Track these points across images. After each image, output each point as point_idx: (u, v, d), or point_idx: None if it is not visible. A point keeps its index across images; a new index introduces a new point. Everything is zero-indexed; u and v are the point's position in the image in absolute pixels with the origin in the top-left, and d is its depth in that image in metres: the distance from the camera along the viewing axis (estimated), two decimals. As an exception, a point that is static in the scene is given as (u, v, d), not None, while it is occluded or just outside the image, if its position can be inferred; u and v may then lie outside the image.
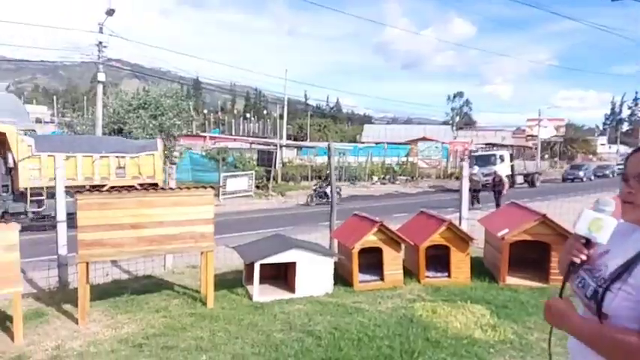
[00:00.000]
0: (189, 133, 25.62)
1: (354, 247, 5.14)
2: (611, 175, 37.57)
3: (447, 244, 5.39)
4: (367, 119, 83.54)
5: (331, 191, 7.04)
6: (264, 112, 75.30)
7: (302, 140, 50.35)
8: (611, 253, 1.34)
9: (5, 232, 3.88)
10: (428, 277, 5.45)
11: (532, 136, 57.28)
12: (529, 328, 3.96)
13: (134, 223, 4.30)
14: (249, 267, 5.25)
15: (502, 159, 25.43)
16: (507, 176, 22.28)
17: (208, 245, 4.69)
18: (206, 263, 4.72)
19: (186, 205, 4.52)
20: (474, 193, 15.34)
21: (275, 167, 24.66)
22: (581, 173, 33.53)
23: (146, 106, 19.26)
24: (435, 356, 3.37)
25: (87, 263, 4.19)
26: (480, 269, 5.81)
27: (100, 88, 18.59)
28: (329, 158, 7.28)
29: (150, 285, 5.52)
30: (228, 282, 5.60)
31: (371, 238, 5.23)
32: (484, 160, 25.11)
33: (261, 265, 4.90)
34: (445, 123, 73.39)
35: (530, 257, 5.51)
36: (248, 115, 68.38)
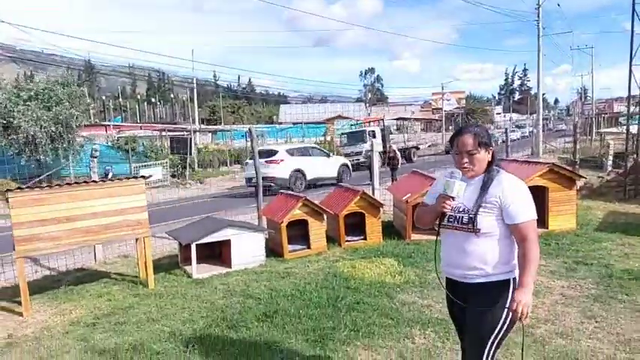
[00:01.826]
0: (88, 122, 24.01)
1: (282, 221, 5.75)
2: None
3: (362, 211, 6.22)
4: (282, 99, 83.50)
5: (256, 174, 7.53)
6: (171, 95, 71.78)
7: (215, 124, 49.30)
8: (464, 197, 2.05)
9: None
10: (347, 241, 6.25)
11: (438, 109, 61.58)
12: (428, 271, 4.90)
13: (69, 216, 4.49)
14: (186, 248, 5.65)
15: (373, 135, 24.01)
16: (380, 153, 23.59)
17: (144, 231, 5.00)
18: (143, 248, 5.04)
19: (120, 195, 4.78)
20: (393, 169, 15.68)
21: (191, 154, 24.24)
22: None
23: (37, 96, 17.73)
24: (355, 299, 4.13)
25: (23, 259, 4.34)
26: (391, 230, 6.76)
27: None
28: (251, 142, 7.72)
29: (85, 276, 5.67)
30: (164, 266, 5.92)
31: (297, 212, 5.87)
32: (355, 138, 25.19)
33: (197, 245, 5.33)
34: (359, 100, 75.85)
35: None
36: (153, 100, 64.68)
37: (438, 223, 2.13)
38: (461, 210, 2.06)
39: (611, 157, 11.96)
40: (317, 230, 6.04)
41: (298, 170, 14.73)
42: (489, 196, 2.00)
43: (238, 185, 20.93)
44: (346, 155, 23.41)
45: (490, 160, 2.09)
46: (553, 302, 3.93)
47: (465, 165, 2.06)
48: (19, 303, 4.65)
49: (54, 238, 4.42)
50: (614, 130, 20.18)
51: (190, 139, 24.88)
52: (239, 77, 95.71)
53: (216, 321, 3.85)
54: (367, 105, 66.44)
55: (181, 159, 22.91)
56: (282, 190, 6.92)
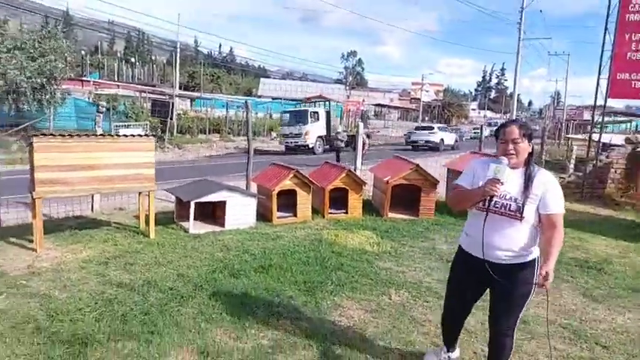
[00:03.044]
0: (71, 76, 23.49)
1: (274, 189, 6.27)
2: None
3: (346, 187, 6.81)
4: (262, 72, 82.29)
5: (248, 144, 7.97)
6: (150, 57, 69.55)
7: (193, 90, 48.49)
8: (507, 185, 2.20)
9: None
10: (331, 213, 6.84)
11: (416, 98, 62.53)
12: (402, 244, 5.56)
13: (90, 164, 4.86)
14: (183, 206, 6.10)
15: (316, 117, 22.56)
16: (322, 137, 22.13)
17: (151, 185, 5.42)
18: (149, 201, 5.46)
19: (134, 151, 5.17)
20: (338, 151, 15.85)
21: (171, 119, 24.16)
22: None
23: (23, 46, 17.38)
24: (339, 261, 4.73)
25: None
26: (370, 208, 7.38)
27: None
28: (247, 114, 8.13)
29: (86, 223, 6.05)
30: (160, 221, 6.29)
31: (287, 182, 6.39)
32: (296, 118, 22.52)
33: (195, 203, 5.78)
34: (338, 81, 75.74)
35: (406, 197, 7.19)
36: (133, 60, 62.71)
37: (484, 205, 2.27)
38: (508, 198, 2.24)
39: (573, 161, 12.96)
40: (304, 200, 6.59)
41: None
42: (534, 188, 2.22)
43: (216, 155, 21.18)
44: (284, 136, 22.59)
45: (530, 152, 2.31)
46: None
47: (511, 152, 2.25)
48: (29, 240, 5.04)
49: (73, 183, 4.79)
50: (579, 136, 21.49)
51: (172, 103, 24.74)
52: (220, 45, 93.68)
53: (219, 268, 4.38)
54: (347, 87, 66.51)
55: (161, 122, 22.84)
56: (274, 162, 7.39)
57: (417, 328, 3.37)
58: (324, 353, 2.95)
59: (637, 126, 46.35)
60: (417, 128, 27.94)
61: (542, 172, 2.29)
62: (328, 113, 23.47)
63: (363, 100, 51.45)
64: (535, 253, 2.34)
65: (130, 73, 54.16)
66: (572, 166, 12.80)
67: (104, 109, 7.20)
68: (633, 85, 9.06)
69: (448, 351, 2.82)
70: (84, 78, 34.51)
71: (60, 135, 4.71)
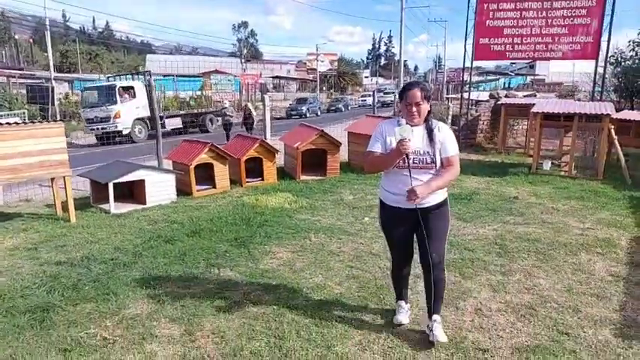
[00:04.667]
0: None
1: (191, 163, 6.59)
2: (343, 109, 35.77)
3: (260, 156, 7.35)
4: (147, 48, 76.89)
5: (155, 123, 8.05)
6: (12, 35, 61.06)
7: (69, 71, 44.08)
8: (414, 141, 2.49)
9: None
10: (247, 182, 7.36)
11: (312, 69, 63.64)
12: (315, 200, 6.32)
13: (-5, 155, 4.77)
14: (100, 188, 6.17)
15: (132, 93, 17.27)
16: (143, 119, 17.34)
17: (65, 170, 5.45)
18: (65, 186, 5.48)
19: (43, 137, 5.15)
20: (226, 128, 15.03)
21: (53, 104, 22.15)
22: (304, 108, 31.00)
23: None
24: (262, 219, 5.33)
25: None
26: (283, 174, 8.03)
27: None
28: (150, 92, 8.15)
29: (-7, 217, 5.85)
30: (76, 207, 6.26)
31: (204, 156, 6.74)
32: (101, 97, 17.21)
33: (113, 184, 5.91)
34: (232, 55, 73.93)
35: (314, 160, 7.96)
36: (-10, 40, 54.60)
37: (404, 164, 2.52)
38: (422, 153, 2.56)
39: (450, 118, 14.83)
40: (221, 172, 7.01)
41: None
42: (436, 139, 2.56)
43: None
44: (88, 122, 17.32)
45: (429, 110, 2.60)
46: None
47: (414, 113, 2.55)
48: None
49: (-22, 176, 4.69)
50: (456, 96, 24.15)
51: (52, 88, 22.58)
52: (94, 19, 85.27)
53: (152, 238, 4.72)
54: (242, 61, 65.27)
55: (41, 109, 20.84)
56: (185, 139, 7.62)
57: (334, 258, 4.14)
58: (263, 286, 3.58)
59: (504, 83, 52.89)
60: (298, 101, 33.30)
61: (439, 124, 2.63)
62: (150, 87, 18.56)
63: (261, 74, 51.18)
64: (446, 193, 2.74)
65: (-11, 56, 47.33)
66: (449, 121, 14.65)
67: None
68: (492, 49, 10.71)
69: (406, 303, 3.05)
70: None
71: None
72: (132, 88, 17.47)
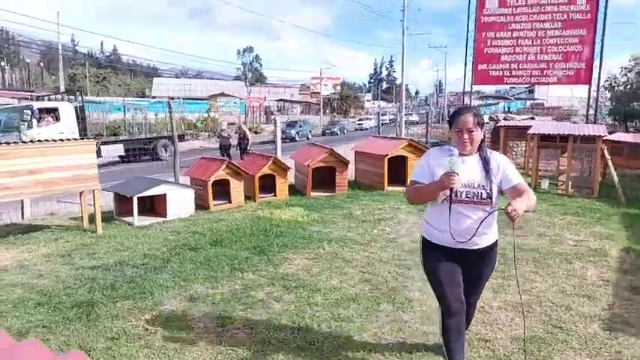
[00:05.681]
0: None
1: (209, 179, 7.00)
2: (339, 133, 35.80)
3: (273, 173, 7.77)
4: (153, 71, 78.53)
5: (174, 143, 8.52)
6: (16, 59, 62.34)
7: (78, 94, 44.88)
8: (467, 173, 2.21)
9: None
10: (261, 197, 7.75)
11: (316, 93, 64.81)
12: (326, 214, 6.70)
13: (32, 169, 5.20)
14: (123, 202, 6.58)
15: (54, 116, 14.33)
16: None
17: (95, 184, 5.86)
18: (94, 199, 5.89)
19: (76, 153, 5.58)
20: (225, 150, 14.70)
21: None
22: (293, 132, 30.09)
23: None
24: (278, 230, 5.71)
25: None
26: (293, 190, 8.43)
27: None
28: (170, 114, 8.65)
29: (24, 229, 6.22)
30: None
31: (221, 173, 7.16)
32: (13, 119, 13.95)
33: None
34: (237, 78, 75.41)
35: (323, 178, 8.37)
36: (2, 64, 56.00)
37: (448, 198, 2.24)
38: (476, 186, 2.23)
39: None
40: (237, 188, 7.41)
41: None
42: (493, 172, 2.24)
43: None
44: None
45: (482, 138, 2.31)
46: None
47: (466, 141, 2.25)
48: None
49: (18, 188, 5.10)
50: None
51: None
52: (102, 43, 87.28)
53: (178, 247, 5.09)
54: (247, 84, 66.51)
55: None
56: (203, 156, 8.06)
57: (347, 264, 4.49)
58: (284, 287, 3.93)
59: (504, 107, 53.77)
60: (287, 125, 31.71)
61: (494, 154, 2.35)
62: (81, 109, 15.72)
63: (265, 98, 52.21)
64: (497, 234, 2.43)
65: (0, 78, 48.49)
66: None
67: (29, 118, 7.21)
68: (490, 74, 11.27)
69: None
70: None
71: (5, 143, 5.00)
72: (55, 110, 14.69)
